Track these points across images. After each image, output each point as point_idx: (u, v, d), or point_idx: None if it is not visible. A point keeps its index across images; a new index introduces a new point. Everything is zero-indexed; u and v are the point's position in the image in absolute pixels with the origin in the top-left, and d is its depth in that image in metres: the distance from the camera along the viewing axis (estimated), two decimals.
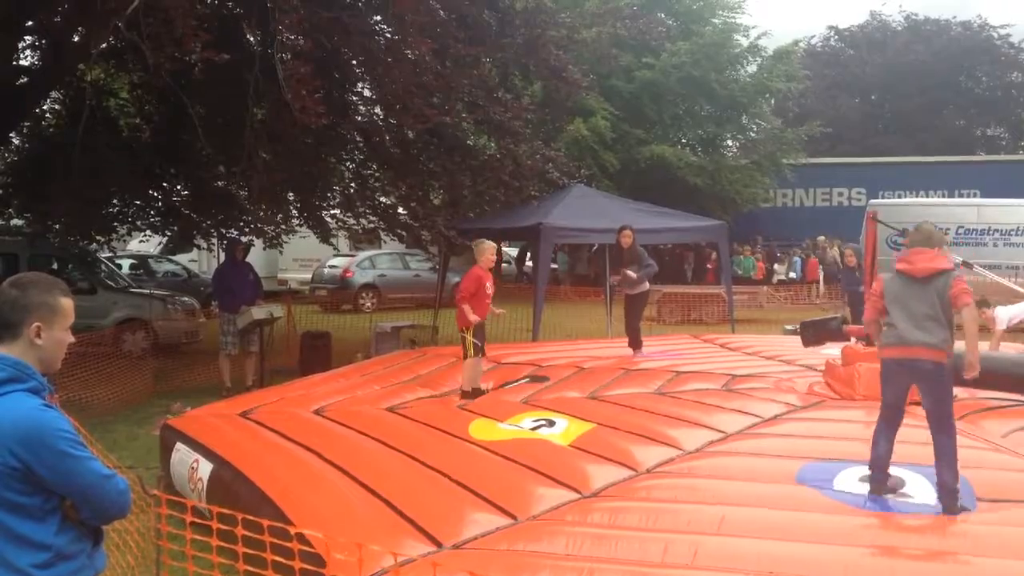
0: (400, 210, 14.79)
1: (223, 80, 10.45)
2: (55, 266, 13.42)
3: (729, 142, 30.20)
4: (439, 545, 4.19)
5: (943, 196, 27.22)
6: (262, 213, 13.80)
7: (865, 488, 4.87)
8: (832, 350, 8.24)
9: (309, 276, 22.86)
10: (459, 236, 12.95)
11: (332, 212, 15.01)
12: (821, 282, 22.89)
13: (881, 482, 4.81)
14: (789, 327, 14.24)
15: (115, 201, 13.81)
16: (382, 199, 14.71)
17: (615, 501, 4.84)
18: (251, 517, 3.56)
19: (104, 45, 10.56)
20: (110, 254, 17.66)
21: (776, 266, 26.44)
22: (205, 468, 5.81)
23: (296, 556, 3.36)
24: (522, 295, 15.43)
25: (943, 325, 4.78)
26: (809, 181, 30.67)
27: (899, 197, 26.86)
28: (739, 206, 27.13)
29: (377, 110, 13.10)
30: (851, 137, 40.16)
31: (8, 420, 2.19)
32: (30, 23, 11.75)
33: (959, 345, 5.03)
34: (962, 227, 19.60)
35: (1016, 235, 19.27)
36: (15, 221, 14.83)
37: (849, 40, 45.03)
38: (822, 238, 24.36)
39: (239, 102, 10.35)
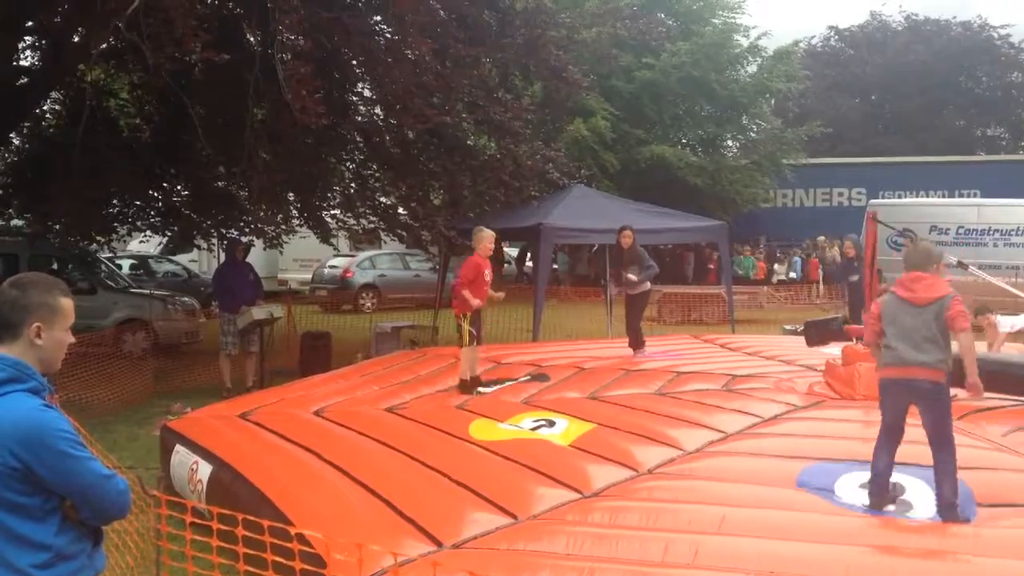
0: (400, 210, 14.77)
1: (223, 80, 10.44)
2: (55, 266, 13.39)
3: (729, 142, 30.25)
4: (439, 545, 4.19)
5: (943, 196, 27.24)
6: (262, 213, 13.77)
7: (865, 495, 4.89)
8: (832, 350, 8.25)
9: (309, 276, 22.85)
10: (459, 236, 12.93)
11: (332, 212, 14.99)
12: (821, 282, 22.90)
13: (881, 497, 4.84)
14: (789, 327, 14.25)
15: (115, 201, 13.78)
16: (382, 199, 14.69)
17: (616, 501, 4.84)
18: (251, 517, 3.55)
19: (104, 45, 10.56)
20: (110, 254, 17.63)
21: (776, 266, 26.46)
22: (205, 470, 5.80)
23: (296, 556, 3.36)
24: (522, 295, 15.41)
25: (941, 347, 4.84)
26: (809, 181, 30.70)
27: (899, 197, 26.90)
28: (739, 206, 27.14)
29: (377, 110, 13.09)
30: (851, 137, 40.19)
31: (8, 420, 2.19)
32: (30, 23, 11.73)
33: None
34: (962, 227, 19.59)
35: (1016, 235, 19.25)
36: (15, 221, 14.81)
37: (849, 40, 45.07)
38: (822, 238, 24.33)
39: (239, 102, 10.35)
